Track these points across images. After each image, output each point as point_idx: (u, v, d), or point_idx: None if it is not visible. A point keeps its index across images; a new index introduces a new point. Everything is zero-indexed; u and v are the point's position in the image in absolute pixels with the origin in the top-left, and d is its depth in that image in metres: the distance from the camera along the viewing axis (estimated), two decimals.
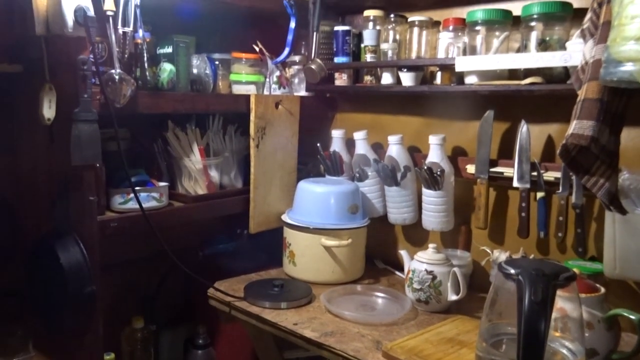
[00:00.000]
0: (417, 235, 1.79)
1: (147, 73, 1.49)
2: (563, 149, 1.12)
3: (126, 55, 1.41)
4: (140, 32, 1.44)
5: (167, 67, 1.54)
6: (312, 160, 1.92)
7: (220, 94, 1.73)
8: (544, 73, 1.38)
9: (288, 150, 1.82)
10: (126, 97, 1.38)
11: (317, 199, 1.67)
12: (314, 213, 1.66)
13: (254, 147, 1.69)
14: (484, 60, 1.42)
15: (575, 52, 1.27)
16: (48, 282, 1.36)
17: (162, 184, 1.58)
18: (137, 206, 1.41)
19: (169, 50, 1.58)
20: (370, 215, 1.78)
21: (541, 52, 1.36)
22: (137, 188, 1.43)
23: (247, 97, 1.68)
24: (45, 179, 1.44)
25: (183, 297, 1.99)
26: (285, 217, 1.73)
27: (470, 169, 1.59)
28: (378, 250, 1.85)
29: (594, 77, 1.07)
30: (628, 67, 0.87)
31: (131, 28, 1.40)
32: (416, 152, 1.75)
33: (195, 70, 1.72)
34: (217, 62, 1.77)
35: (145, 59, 1.48)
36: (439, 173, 1.58)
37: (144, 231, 1.43)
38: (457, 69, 1.47)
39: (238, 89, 1.79)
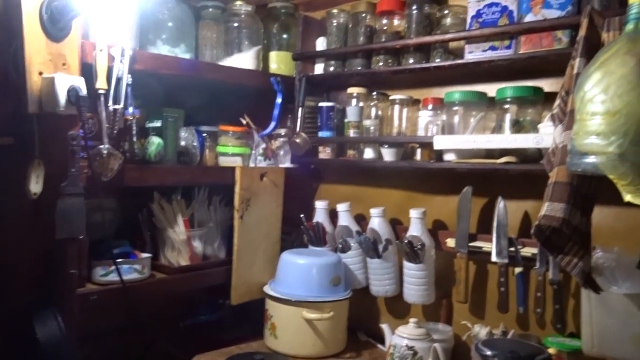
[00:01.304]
0: (399, 308, 1.80)
1: (135, 146, 1.53)
2: (537, 229, 1.16)
3: (115, 131, 1.45)
4: (131, 109, 1.49)
5: (155, 141, 1.59)
6: (296, 231, 1.94)
7: (206, 166, 1.77)
8: (519, 152, 1.44)
9: (272, 221, 1.84)
10: (114, 170, 1.41)
11: (299, 271, 1.68)
12: (296, 285, 1.67)
13: (238, 219, 1.72)
14: (461, 139, 1.49)
15: (547, 134, 1.34)
16: (27, 357, 1.34)
17: (144, 255, 1.59)
18: (118, 278, 1.41)
19: (158, 124, 1.63)
20: (352, 286, 1.79)
21: (515, 134, 1.42)
22: (118, 260, 1.44)
23: (232, 170, 1.72)
24: (29, 252, 1.44)
25: None
26: (267, 289, 1.73)
27: (451, 242, 1.62)
28: (360, 322, 1.85)
29: (563, 161, 1.13)
30: (591, 159, 0.92)
31: (122, 105, 1.45)
32: (398, 225, 1.78)
33: (183, 143, 1.77)
34: (204, 135, 1.82)
35: (134, 132, 1.53)
36: (419, 247, 1.60)
37: (125, 302, 1.42)
38: (436, 147, 1.53)
39: (224, 161, 1.84)
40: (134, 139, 1.53)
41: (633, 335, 1.24)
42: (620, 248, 1.29)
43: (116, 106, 1.44)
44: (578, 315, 1.39)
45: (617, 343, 1.26)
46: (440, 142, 1.52)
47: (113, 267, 1.43)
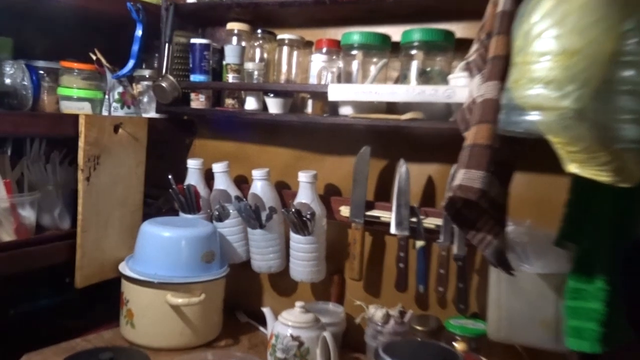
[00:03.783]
0: (284, 285, 1.56)
1: None
2: (449, 203, 0.95)
3: None
4: None
5: None
6: (165, 194, 1.61)
7: (36, 112, 1.37)
8: (425, 108, 1.22)
9: (131, 183, 1.50)
10: None
11: (162, 245, 1.37)
12: (159, 262, 1.36)
13: (84, 181, 1.35)
14: (360, 89, 1.23)
15: (459, 87, 1.13)
16: None
17: None
18: None
19: None
20: (231, 260, 1.52)
21: (423, 86, 1.19)
22: None
23: (74, 118, 1.35)
24: None
25: None
26: (123, 267, 1.40)
27: (345, 211, 1.40)
28: (240, 301, 1.59)
29: (485, 119, 0.91)
30: (536, 116, 0.70)
31: None
32: (285, 189, 1.52)
33: (8, 81, 1.36)
34: (41, 72, 1.42)
35: None
36: (308, 216, 1.36)
37: None
38: (330, 97, 1.26)
39: (68, 107, 1.45)
40: None
41: (543, 319, 1.10)
42: (532, 221, 1.14)
43: None
44: (482, 295, 1.23)
45: (526, 328, 1.12)
46: (335, 93, 1.26)
47: None
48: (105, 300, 1.50)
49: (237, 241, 1.53)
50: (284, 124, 1.49)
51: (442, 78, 1.24)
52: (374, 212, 1.36)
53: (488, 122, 0.90)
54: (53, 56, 1.47)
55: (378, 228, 1.37)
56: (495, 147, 0.90)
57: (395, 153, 1.34)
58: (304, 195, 1.39)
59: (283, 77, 1.45)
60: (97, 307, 1.53)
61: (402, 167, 1.30)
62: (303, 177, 1.39)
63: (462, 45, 1.22)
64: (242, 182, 1.58)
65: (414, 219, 1.30)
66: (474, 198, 0.90)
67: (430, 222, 1.29)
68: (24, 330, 1.41)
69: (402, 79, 1.28)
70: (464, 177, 0.91)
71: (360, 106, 1.30)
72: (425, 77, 1.24)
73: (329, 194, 1.46)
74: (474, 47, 1.07)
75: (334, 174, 1.47)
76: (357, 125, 1.28)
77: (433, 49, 1.25)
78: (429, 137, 1.30)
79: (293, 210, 1.35)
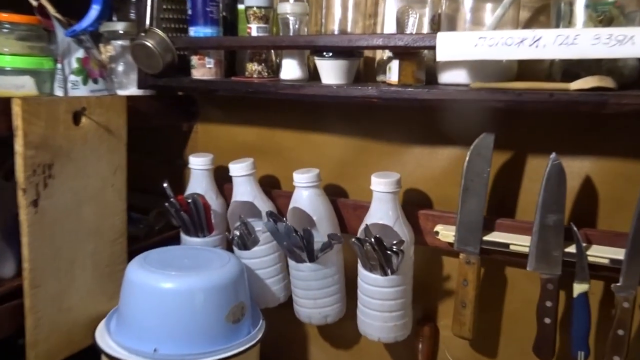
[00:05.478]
0: (340, 332, 1.07)
1: None
2: None
3: None
4: None
5: None
6: (157, 204, 1.10)
7: None
8: (608, 68, 0.72)
9: (106, 200, 0.97)
10: None
11: (164, 303, 0.86)
12: (160, 331, 0.86)
13: (28, 207, 0.83)
14: (500, 40, 0.71)
15: None
16: None
17: None
18: None
19: None
20: (263, 304, 1.03)
21: (620, 29, 0.67)
22: None
23: (4, 105, 0.81)
24: None
25: None
26: (102, 335, 0.89)
27: (446, 234, 0.90)
28: (272, 355, 1.10)
29: None
30: None
31: None
32: (340, 197, 1.02)
33: None
34: None
35: None
36: (395, 248, 0.86)
37: None
38: (442, 56, 0.74)
39: None
40: None
41: None
42: None
43: None
44: None
45: None
46: (448, 46, 0.74)
47: None
48: None
49: (272, 276, 1.03)
50: (345, 102, 0.97)
51: (630, 19, 0.73)
52: (496, 237, 0.87)
53: None
54: None
55: (497, 257, 0.88)
56: None
57: (528, 142, 0.85)
58: (382, 213, 0.89)
59: (336, 25, 0.92)
60: None
61: (555, 166, 0.79)
62: (381, 184, 0.88)
63: None
64: (271, 187, 1.07)
65: (569, 249, 0.81)
66: None
67: (597, 253, 0.81)
68: None
69: (557, 19, 0.77)
70: None
71: (477, 69, 0.79)
72: (606, 17, 0.72)
73: (413, 204, 0.96)
74: None
75: (421, 175, 0.96)
76: (487, 100, 0.77)
77: None
78: (597, 119, 0.80)
79: (373, 239, 0.84)
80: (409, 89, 0.80)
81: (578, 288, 0.81)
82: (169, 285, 0.86)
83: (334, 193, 1.02)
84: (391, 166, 0.96)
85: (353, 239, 0.87)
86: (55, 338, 0.90)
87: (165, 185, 1.03)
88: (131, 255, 0.99)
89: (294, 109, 1.04)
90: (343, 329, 1.02)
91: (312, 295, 0.98)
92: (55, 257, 0.88)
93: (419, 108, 0.92)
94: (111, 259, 0.98)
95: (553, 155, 0.79)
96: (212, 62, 0.99)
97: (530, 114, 0.85)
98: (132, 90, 1.06)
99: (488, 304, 0.92)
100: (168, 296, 0.86)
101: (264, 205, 1.01)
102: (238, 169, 1.00)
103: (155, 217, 1.15)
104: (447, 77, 0.82)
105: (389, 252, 0.85)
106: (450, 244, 0.89)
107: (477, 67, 0.79)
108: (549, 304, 0.83)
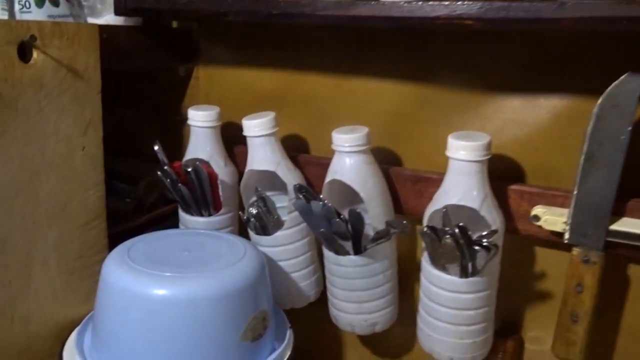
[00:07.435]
0: (393, 344, 0.83)
1: None
2: None
3: None
4: None
5: None
6: (148, 171, 0.85)
7: None
8: None
9: (74, 169, 0.70)
10: None
11: (155, 318, 0.61)
12: (149, 354, 0.61)
13: None
14: None
15: None
16: None
17: None
18: None
19: None
20: (289, 304, 0.79)
21: None
22: None
23: None
24: None
25: None
26: (71, 355, 0.65)
27: (551, 219, 0.64)
28: None
29: None
30: None
31: None
32: (396, 166, 0.75)
33: None
34: None
35: None
36: (485, 241, 0.60)
37: None
38: None
39: None
40: None
41: None
42: None
43: None
44: None
45: None
46: None
47: None
48: None
49: (300, 269, 0.78)
50: (408, 25, 0.68)
51: None
52: (629, 225, 0.61)
53: None
54: None
55: (623, 253, 0.63)
56: None
57: None
58: (463, 190, 0.62)
59: None
60: None
61: None
62: (465, 149, 0.61)
63: None
64: (298, 151, 0.81)
65: None
66: None
67: None
68: None
69: None
70: None
71: None
72: None
73: (498, 179, 0.69)
74: None
75: (512, 136, 0.69)
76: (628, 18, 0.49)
77: None
78: None
79: (455, 230, 0.58)
80: (528, 3, 0.51)
81: None
82: (162, 291, 0.60)
83: (384, 160, 0.75)
84: (467, 123, 0.70)
85: (425, 229, 0.61)
86: (7, 358, 0.66)
87: (156, 148, 0.76)
88: (113, 240, 0.74)
89: (332, 42, 0.76)
90: (391, 335, 0.78)
91: (357, 298, 0.73)
92: (1, 252, 0.62)
93: (519, 35, 0.64)
94: (84, 248, 0.73)
95: None
96: None
97: None
98: (108, 17, 0.78)
99: (601, 314, 0.67)
100: (161, 307, 0.60)
101: (289, 175, 0.75)
102: (254, 127, 0.74)
103: (145, 188, 0.90)
104: None
105: (477, 247, 0.59)
106: (558, 234, 0.63)
107: None
108: None
